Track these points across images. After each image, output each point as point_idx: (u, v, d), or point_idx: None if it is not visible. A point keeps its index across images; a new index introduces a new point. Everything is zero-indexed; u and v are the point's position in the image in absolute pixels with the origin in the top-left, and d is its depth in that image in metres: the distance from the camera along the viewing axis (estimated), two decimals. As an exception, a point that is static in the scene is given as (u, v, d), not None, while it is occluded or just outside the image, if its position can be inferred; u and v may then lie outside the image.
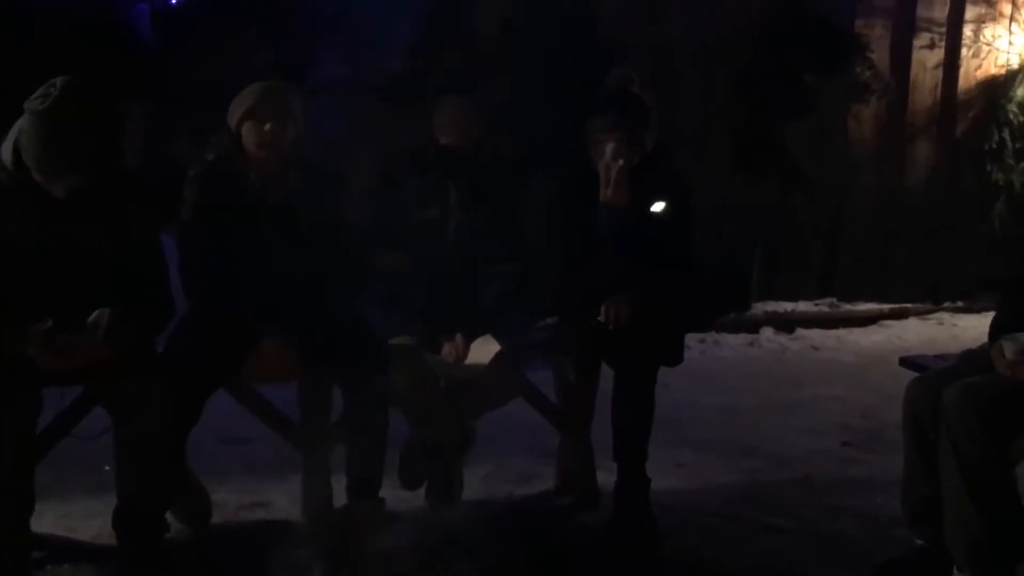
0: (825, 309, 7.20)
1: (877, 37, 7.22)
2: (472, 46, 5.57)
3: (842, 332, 6.87)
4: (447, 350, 3.32)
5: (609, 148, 3.42)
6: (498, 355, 3.28)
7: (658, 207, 3.48)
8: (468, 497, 3.58)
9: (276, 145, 3.18)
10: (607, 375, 3.49)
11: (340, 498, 3.26)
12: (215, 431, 3.83)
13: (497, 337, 3.32)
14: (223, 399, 3.27)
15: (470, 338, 3.34)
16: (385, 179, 3.52)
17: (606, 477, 3.61)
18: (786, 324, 6.84)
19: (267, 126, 3.15)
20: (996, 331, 2.96)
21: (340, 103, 5.37)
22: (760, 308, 6.91)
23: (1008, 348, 2.80)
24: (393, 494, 3.34)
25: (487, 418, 3.52)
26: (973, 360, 3.04)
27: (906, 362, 3.46)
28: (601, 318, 3.36)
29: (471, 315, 3.38)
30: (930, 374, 3.12)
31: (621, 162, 3.40)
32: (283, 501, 3.56)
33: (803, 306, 7.16)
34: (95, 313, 2.79)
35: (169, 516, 3.15)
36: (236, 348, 3.09)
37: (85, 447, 3.08)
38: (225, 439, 4.04)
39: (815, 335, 6.76)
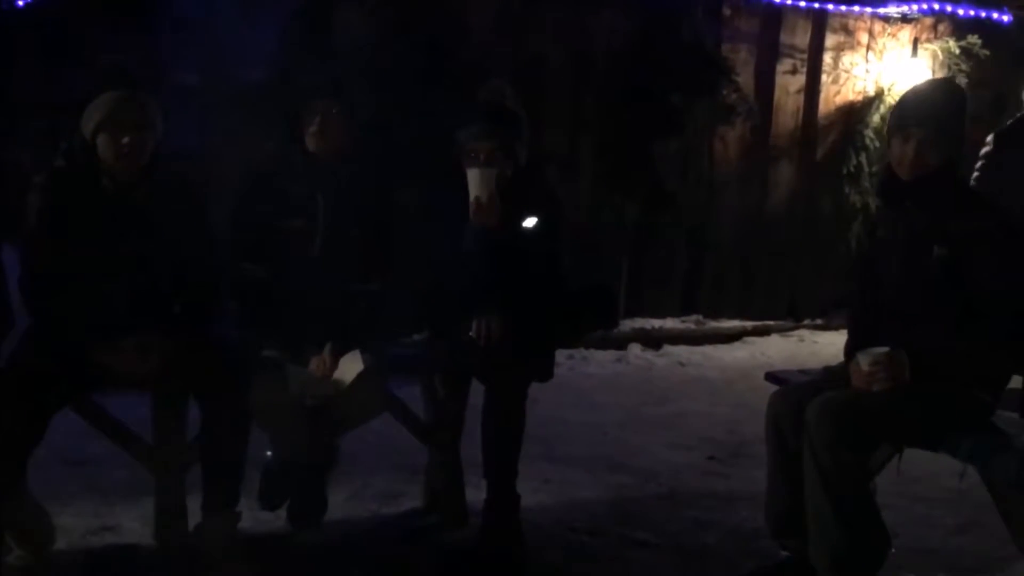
0: (691, 326, 7.32)
1: (742, 61, 7.40)
2: (336, 55, 5.49)
3: (708, 348, 6.98)
4: (314, 364, 3.22)
5: (476, 174, 3.35)
6: (364, 371, 3.18)
7: (529, 223, 3.45)
8: (332, 517, 3.48)
9: (134, 158, 3.03)
10: (476, 391, 3.44)
11: (195, 522, 3.11)
12: (60, 451, 3.63)
13: (363, 352, 3.22)
14: (69, 418, 3.07)
15: (337, 352, 3.24)
16: (248, 186, 3.38)
17: (475, 494, 3.56)
18: (653, 340, 6.93)
19: (125, 139, 2.99)
20: (850, 349, 3.05)
21: (197, 109, 5.21)
22: (628, 325, 6.97)
23: (863, 361, 2.89)
24: (253, 516, 3.23)
25: (352, 435, 3.42)
26: (833, 376, 3.11)
27: (771, 377, 3.52)
28: (472, 333, 3.31)
29: (338, 329, 3.27)
30: (792, 387, 3.18)
31: (493, 184, 3.35)
32: (133, 525, 3.40)
33: (670, 323, 7.26)
34: None
35: (8, 542, 2.95)
36: (82, 364, 2.92)
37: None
38: (71, 460, 3.84)
39: (681, 351, 6.85)
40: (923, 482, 3.86)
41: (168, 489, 3.23)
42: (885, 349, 2.87)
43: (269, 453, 3.30)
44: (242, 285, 3.27)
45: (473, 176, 3.36)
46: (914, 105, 3.01)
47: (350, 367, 3.21)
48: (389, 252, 3.45)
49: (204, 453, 3.07)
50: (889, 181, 3.05)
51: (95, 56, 3.11)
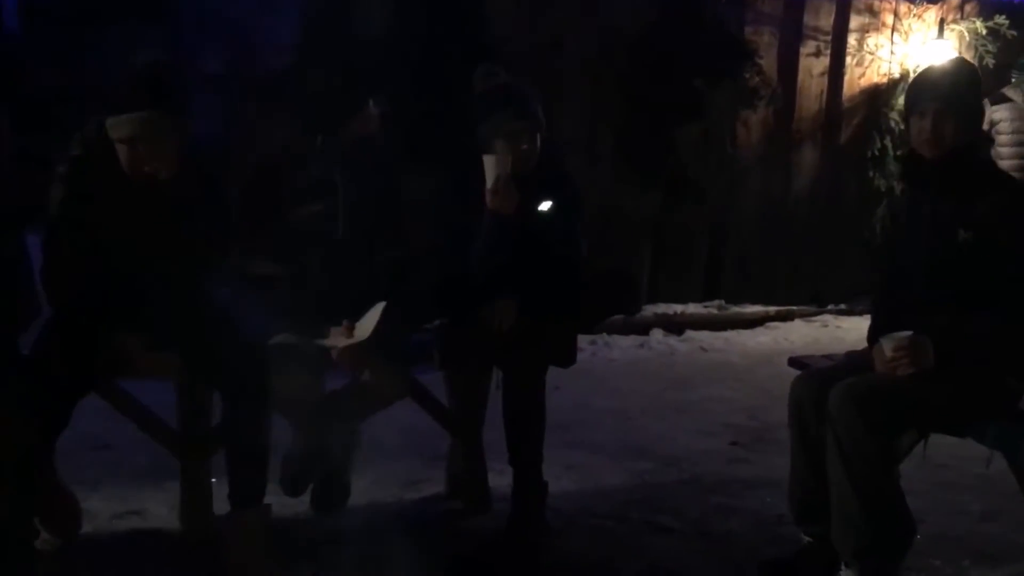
0: (713, 311, 7.29)
1: (765, 44, 7.34)
2: (358, 43, 5.48)
3: (730, 334, 6.96)
4: (335, 334, 3.20)
5: (491, 159, 3.29)
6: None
7: (545, 206, 3.43)
8: (355, 503, 3.49)
9: (152, 175, 3.01)
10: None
11: (220, 506, 3.14)
12: (87, 437, 3.66)
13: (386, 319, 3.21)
14: (95, 403, 3.10)
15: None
16: (261, 178, 3.37)
17: (497, 480, 3.56)
18: (675, 326, 6.91)
19: (146, 168, 2.97)
20: (873, 334, 3.04)
21: (220, 99, 5.22)
22: (650, 310, 6.95)
23: (887, 346, 2.87)
24: (276, 500, 3.23)
25: (374, 421, 3.43)
26: (857, 360, 3.09)
27: (794, 362, 3.50)
28: (487, 319, 3.30)
29: (362, 303, 3.26)
30: (814, 371, 3.16)
31: (508, 169, 3.33)
32: (160, 509, 3.43)
33: (692, 308, 7.24)
34: None
35: (37, 526, 2.98)
36: (106, 350, 2.94)
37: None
38: (97, 445, 3.88)
39: (704, 336, 6.83)
40: (949, 468, 3.84)
41: (193, 474, 3.26)
42: (908, 334, 2.85)
43: (292, 439, 3.32)
44: (258, 281, 3.27)
45: (489, 161, 3.33)
46: (926, 83, 3.02)
47: (370, 319, 3.19)
48: (407, 220, 3.43)
49: (228, 441, 3.08)
50: (912, 163, 3.04)
51: (119, 46, 3.08)
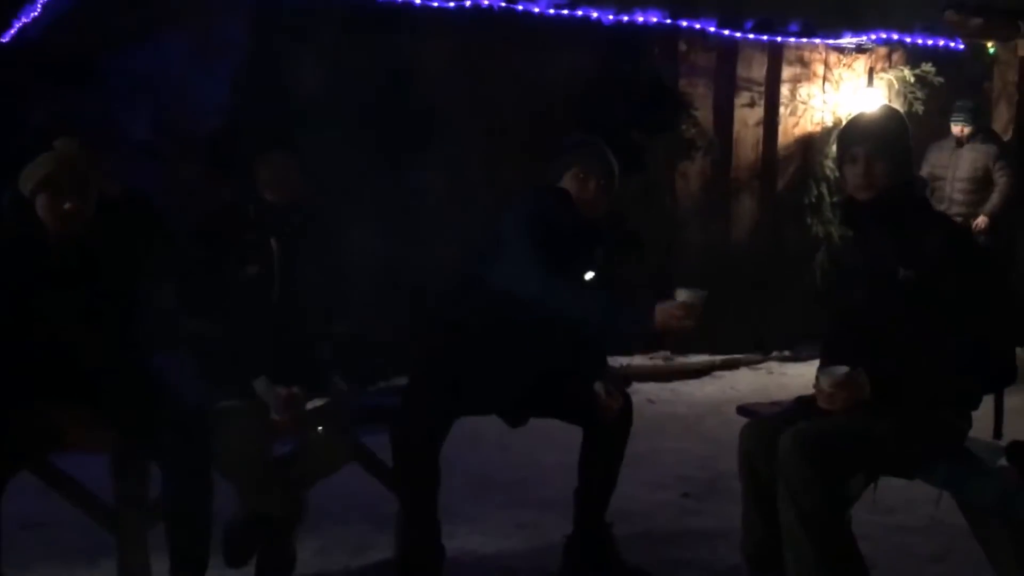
0: (659, 362, 7.28)
1: (700, 96, 7.43)
2: (286, 102, 5.45)
3: (677, 384, 6.95)
4: (284, 392, 3.12)
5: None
6: (327, 420, 3.12)
7: (589, 276, 3.57)
8: (301, 572, 3.39)
9: (76, 220, 2.96)
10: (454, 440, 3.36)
11: (160, 580, 3.04)
12: (17, 516, 3.52)
13: (326, 404, 3.16)
14: (26, 479, 2.99)
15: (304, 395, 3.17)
16: (199, 238, 3.32)
17: (448, 542, 3.48)
18: (622, 378, 6.86)
19: (67, 205, 2.93)
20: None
21: (148, 163, 5.15)
22: (597, 364, 6.91)
23: (823, 381, 2.91)
24: (220, 574, 3.13)
25: (318, 486, 3.35)
26: (805, 405, 3.09)
27: (742, 410, 3.51)
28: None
29: (304, 373, 3.20)
30: (763, 419, 3.17)
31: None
32: (96, 588, 3.30)
33: (638, 360, 7.22)
34: None
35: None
36: (36, 426, 2.84)
37: None
38: (28, 524, 3.72)
39: (651, 388, 6.81)
40: (899, 511, 3.84)
41: (131, 551, 3.14)
42: (845, 369, 2.87)
43: (235, 507, 3.22)
44: (195, 341, 3.21)
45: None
46: (855, 130, 3.12)
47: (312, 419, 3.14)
48: (349, 296, 3.41)
49: (167, 512, 2.99)
50: (850, 207, 3.11)
51: (39, 111, 3.04)
